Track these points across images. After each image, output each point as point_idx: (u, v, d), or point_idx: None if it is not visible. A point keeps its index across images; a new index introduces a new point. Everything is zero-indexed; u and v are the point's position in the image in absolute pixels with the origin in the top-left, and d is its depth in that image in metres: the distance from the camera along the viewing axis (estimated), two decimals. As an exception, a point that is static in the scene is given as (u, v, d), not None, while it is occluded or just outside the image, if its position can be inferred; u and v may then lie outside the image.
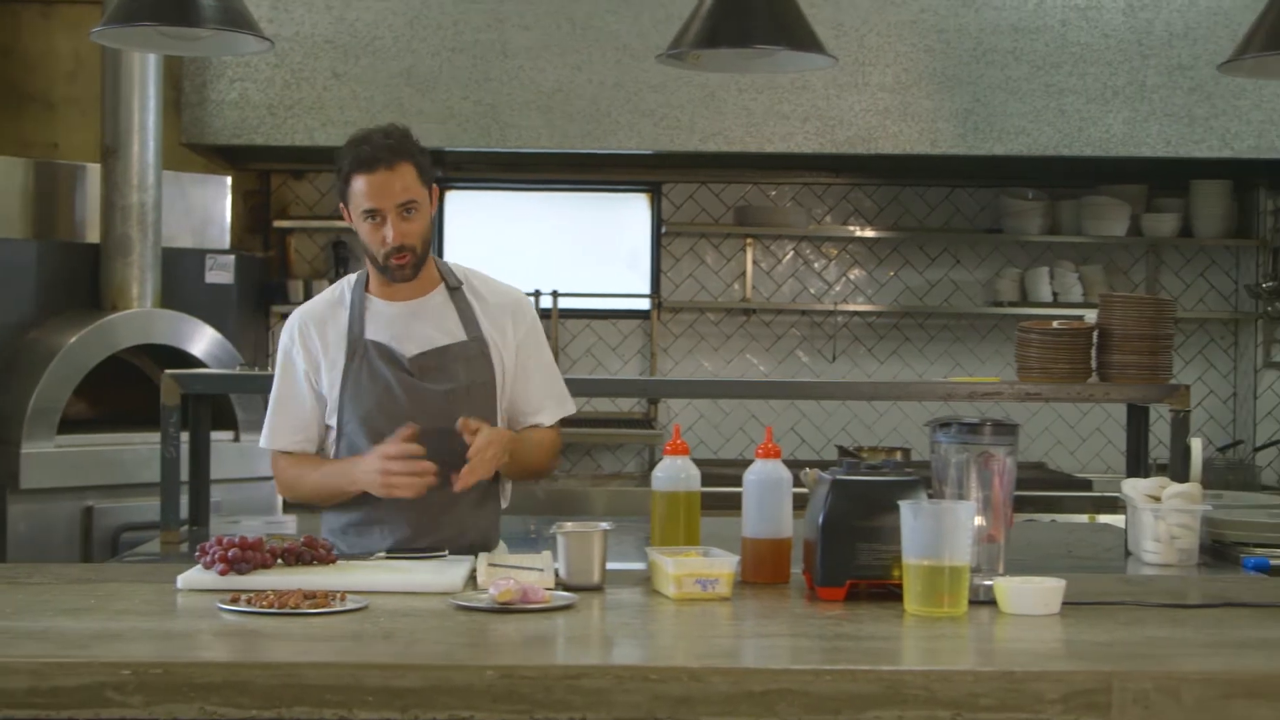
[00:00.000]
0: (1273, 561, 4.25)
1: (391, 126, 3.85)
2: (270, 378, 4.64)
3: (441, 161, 7.77)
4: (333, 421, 3.88)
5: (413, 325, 3.87)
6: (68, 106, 7.61)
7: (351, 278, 4.00)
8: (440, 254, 8.07)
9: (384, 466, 3.66)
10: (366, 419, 3.83)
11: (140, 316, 6.39)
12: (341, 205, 3.90)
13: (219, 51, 5.00)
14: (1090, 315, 4.90)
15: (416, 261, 3.81)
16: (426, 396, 3.79)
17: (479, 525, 3.90)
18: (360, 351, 3.84)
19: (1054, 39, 7.24)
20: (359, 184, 3.77)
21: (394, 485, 3.66)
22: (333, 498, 3.87)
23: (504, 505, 4.05)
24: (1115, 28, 7.25)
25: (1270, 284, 7.90)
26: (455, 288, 3.92)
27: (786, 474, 3.53)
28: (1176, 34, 7.24)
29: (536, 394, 3.95)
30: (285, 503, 6.62)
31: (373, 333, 3.86)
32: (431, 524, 3.81)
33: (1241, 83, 7.09)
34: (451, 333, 3.87)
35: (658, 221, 8.16)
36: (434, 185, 3.87)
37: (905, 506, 3.15)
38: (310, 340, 3.90)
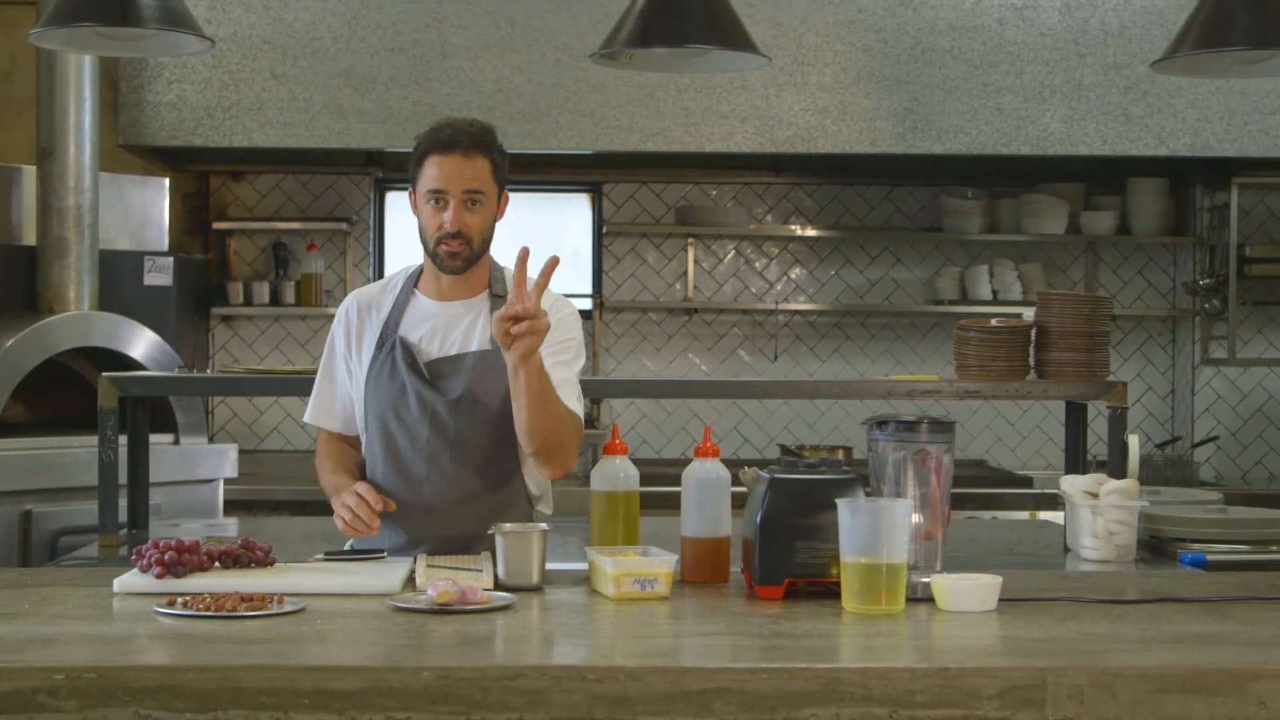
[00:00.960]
0: (1209, 557, 4.28)
1: (479, 121, 3.86)
2: (210, 380, 4.72)
3: (381, 162, 7.76)
4: (362, 410, 3.91)
5: (447, 327, 3.86)
6: (3, 108, 7.55)
7: (409, 269, 4.00)
8: (380, 256, 8.06)
9: (342, 503, 3.69)
10: (381, 416, 3.85)
11: (78, 319, 6.34)
12: (410, 192, 3.87)
13: (159, 52, 4.96)
14: (1029, 313, 4.92)
15: (470, 255, 3.80)
16: (433, 404, 3.79)
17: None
18: (389, 347, 3.86)
19: (991, 38, 7.28)
20: (431, 165, 3.77)
21: (342, 519, 3.68)
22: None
23: (545, 509, 3.97)
24: (1051, 27, 7.29)
25: (1207, 281, 7.96)
26: (499, 295, 3.84)
27: (725, 473, 3.54)
28: (1112, 33, 7.29)
29: (553, 378, 3.72)
30: (226, 505, 6.60)
31: (406, 329, 3.87)
32: (452, 522, 3.81)
33: (1177, 81, 7.15)
34: (475, 340, 3.84)
35: (599, 221, 8.16)
36: (505, 191, 3.87)
37: (843, 505, 3.16)
38: (353, 325, 3.94)
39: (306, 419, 4.09)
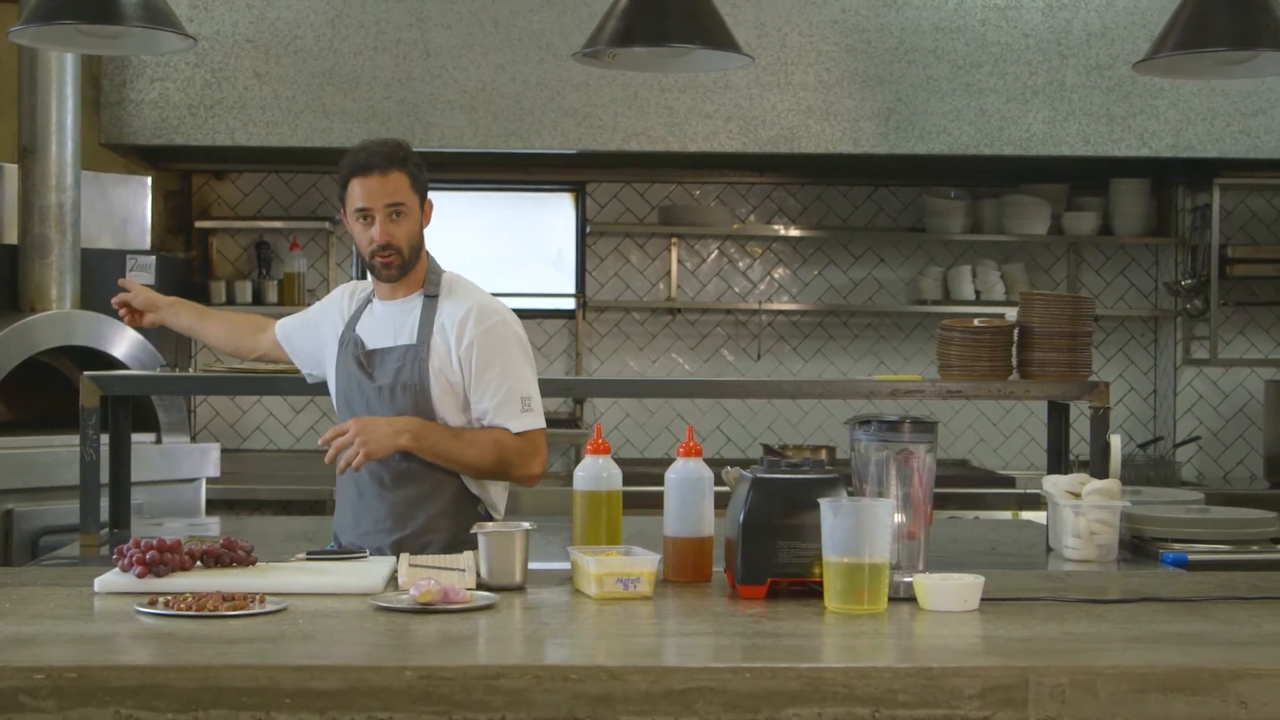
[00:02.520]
0: (1191, 557, 4.29)
1: (391, 139, 4.19)
2: (193, 379, 5.03)
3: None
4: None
5: (385, 325, 4.16)
6: (-16, 106, 7.54)
7: None
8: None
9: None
10: (338, 401, 4.21)
11: (59, 318, 6.33)
12: (342, 212, 4.19)
13: (140, 50, 4.95)
14: (1011, 313, 4.93)
15: (403, 263, 4.09)
16: (367, 390, 4.09)
17: (449, 526, 4.05)
18: (346, 342, 4.19)
19: (974, 39, 7.29)
20: (354, 186, 4.07)
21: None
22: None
23: (497, 516, 4.17)
24: (1034, 27, 7.31)
25: (1189, 282, 7.98)
26: (431, 296, 4.14)
27: (708, 472, 3.54)
28: (1095, 34, 7.30)
29: (488, 404, 4.04)
30: (208, 504, 6.59)
31: (361, 327, 4.19)
32: (396, 521, 4.07)
33: (1159, 82, 7.16)
34: (403, 336, 4.11)
35: (582, 221, 8.15)
36: (428, 199, 4.18)
37: (825, 504, 3.16)
38: (341, 308, 4.30)
39: (279, 324, 4.51)
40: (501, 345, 4.07)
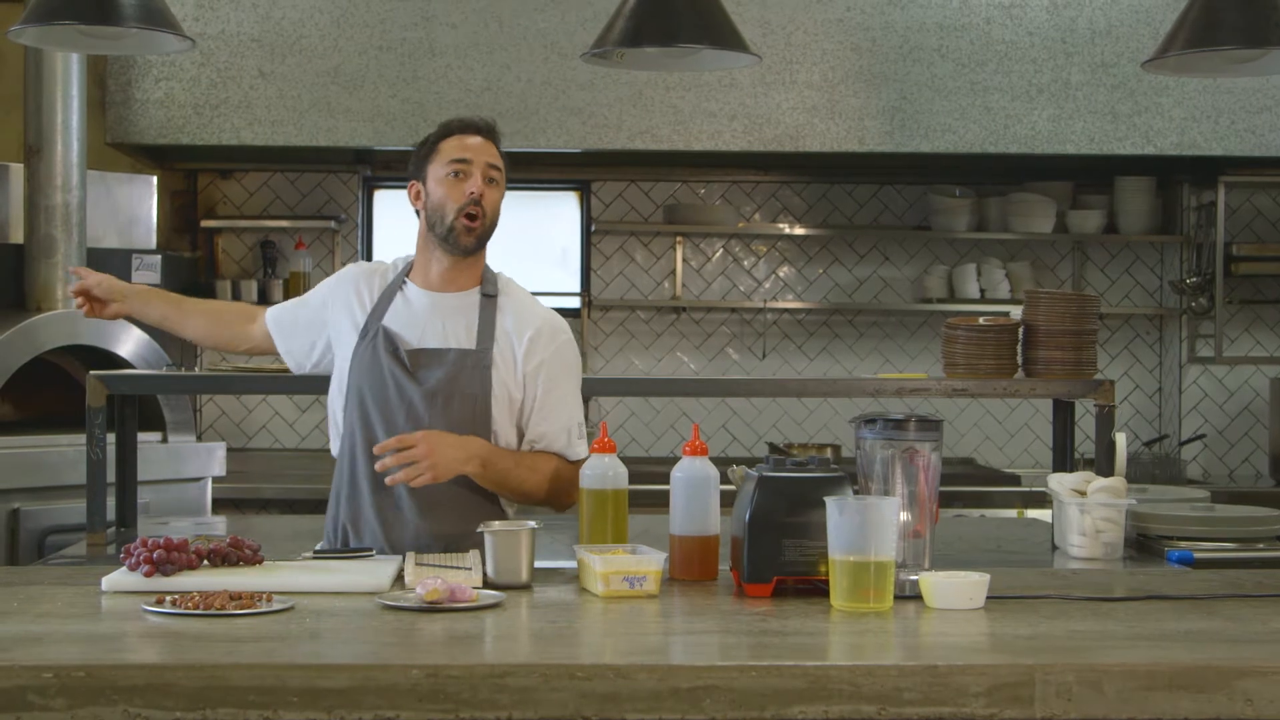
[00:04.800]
0: (1196, 554, 4.29)
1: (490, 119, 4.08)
2: (198, 378, 4.91)
3: (369, 160, 7.76)
4: (339, 395, 3.97)
5: (432, 318, 3.92)
6: (-10, 106, 7.55)
7: (408, 257, 4.09)
8: (369, 254, 8.05)
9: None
10: (360, 401, 3.89)
11: (65, 317, 6.33)
12: (412, 183, 4.02)
13: (140, 50, 4.96)
14: (1016, 312, 4.93)
15: (483, 233, 3.93)
16: (410, 393, 3.82)
17: (466, 530, 3.79)
18: (372, 334, 3.92)
19: (979, 37, 7.29)
20: (452, 141, 3.95)
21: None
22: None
23: (510, 514, 4.00)
24: (1039, 26, 7.30)
25: (1194, 280, 7.97)
26: (490, 295, 3.95)
27: (714, 471, 3.54)
28: (1099, 32, 7.30)
29: (552, 428, 3.90)
30: (214, 503, 6.59)
31: (391, 318, 3.93)
32: (411, 526, 3.85)
33: (1164, 80, 7.16)
34: (460, 338, 3.89)
35: (587, 220, 8.16)
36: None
37: (831, 503, 3.16)
38: (356, 291, 4.02)
39: (268, 312, 4.24)
40: (569, 368, 3.95)
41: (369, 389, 3.88)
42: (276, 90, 7.13)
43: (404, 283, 4.00)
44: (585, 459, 3.80)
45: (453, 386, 3.83)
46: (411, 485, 3.67)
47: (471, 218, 3.89)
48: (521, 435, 3.92)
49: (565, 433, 3.90)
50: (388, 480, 3.69)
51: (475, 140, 3.95)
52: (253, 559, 3.48)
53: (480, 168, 3.91)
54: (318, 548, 3.80)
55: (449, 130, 3.98)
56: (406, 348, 3.88)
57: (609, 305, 8.09)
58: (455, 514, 3.81)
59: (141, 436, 4.98)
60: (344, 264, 7.78)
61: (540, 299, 4.16)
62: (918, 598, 3.22)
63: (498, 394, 3.85)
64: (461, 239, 3.90)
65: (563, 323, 4.03)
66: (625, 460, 3.71)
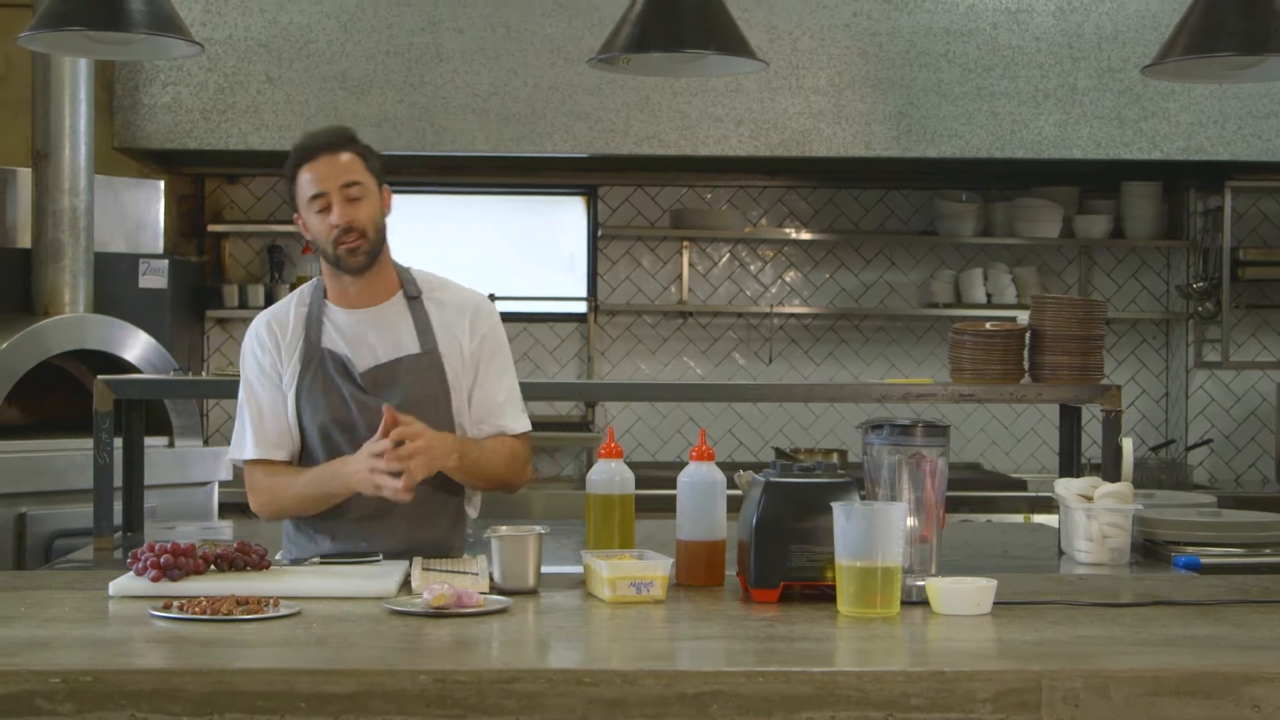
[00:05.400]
0: (1203, 560, 4.29)
1: (338, 125, 3.94)
2: (205, 383, 4.79)
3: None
4: (296, 429, 3.88)
5: (367, 336, 3.86)
6: (-2, 110, 7.56)
7: (313, 283, 3.98)
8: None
9: (371, 465, 3.62)
10: (322, 430, 3.84)
11: (73, 322, 6.34)
12: (297, 218, 3.90)
13: (149, 56, 4.97)
14: (1023, 317, 4.93)
15: (369, 248, 3.80)
16: (377, 411, 3.70)
17: (436, 533, 3.88)
18: (316, 360, 3.85)
19: (985, 42, 7.29)
20: (304, 174, 3.81)
21: (380, 485, 3.61)
22: (320, 503, 3.83)
23: (473, 514, 4.03)
24: (1046, 31, 7.31)
25: (1201, 284, 7.97)
26: (414, 297, 3.90)
27: (720, 476, 3.55)
28: (1106, 37, 7.30)
29: (497, 400, 3.90)
30: (221, 507, 6.60)
31: (329, 342, 3.86)
32: (384, 530, 3.82)
33: (1170, 85, 7.16)
34: (404, 345, 3.86)
35: (594, 224, 8.16)
36: (385, 185, 3.90)
37: (838, 508, 3.16)
38: (274, 344, 3.90)
39: (246, 455, 3.92)
40: (503, 344, 3.96)
41: (331, 417, 3.83)
42: (284, 95, 7.14)
43: (325, 305, 3.91)
44: (528, 433, 3.91)
45: (417, 393, 3.82)
46: (400, 496, 3.59)
47: (350, 243, 3.78)
48: None
49: (509, 405, 3.92)
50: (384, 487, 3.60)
51: (324, 164, 3.78)
52: (260, 564, 3.48)
53: (336, 193, 3.77)
54: (320, 553, 3.81)
55: (298, 160, 3.83)
56: (357, 370, 3.84)
57: (615, 310, 8.09)
58: (420, 520, 3.83)
59: (148, 441, 4.98)
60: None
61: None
62: (925, 603, 3.22)
63: (454, 388, 3.87)
64: (349, 262, 3.81)
65: (489, 302, 4.03)
66: (632, 465, 3.72)
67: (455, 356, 3.87)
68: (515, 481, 3.93)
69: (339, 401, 3.82)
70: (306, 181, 3.80)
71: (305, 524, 3.91)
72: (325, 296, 3.93)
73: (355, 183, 3.79)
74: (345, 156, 3.80)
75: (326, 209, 3.77)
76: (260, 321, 3.95)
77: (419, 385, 3.83)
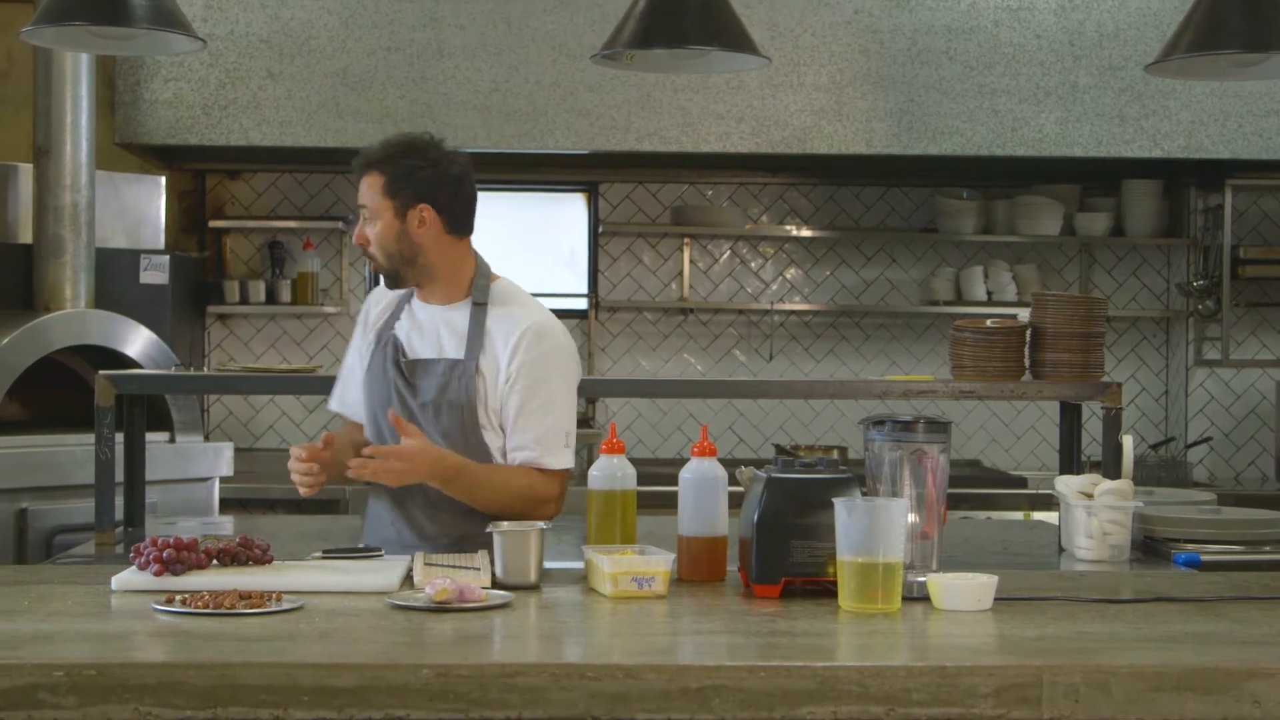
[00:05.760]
0: (1203, 557, 4.29)
1: (393, 137, 4.06)
2: (207, 378, 4.84)
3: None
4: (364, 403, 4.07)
5: (426, 331, 3.97)
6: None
7: None
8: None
9: (291, 462, 3.88)
10: (371, 408, 4.01)
11: (74, 317, 6.34)
12: None
13: (151, 51, 4.98)
14: (1023, 314, 4.94)
15: (383, 268, 3.94)
16: (410, 405, 3.88)
17: (461, 531, 3.85)
18: (384, 343, 4.00)
19: (986, 40, 7.29)
20: None
21: (294, 480, 3.87)
22: None
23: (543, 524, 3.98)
24: (1047, 29, 7.31)
25: (1201, 282, 7.98)
26: (480, 304, 3.93)
27: (722, 472, 3.55)
28: (1107, 35, 7.30)
29: (518, 432, 3.85)
30: (221, 503, 6.61)
31: (400, 328, 4.00)
32: (412, 525, 3.92)
33: (1171, 83, 7.16)
34: (448, 348, 3.91)
35: (595, 221, 8.17)
36: (421, 205, 3.92)
37: (839, 504, 3.17)
38: (369, 316, 4.12)
39: (330, 407, 4.29)
40: (551, 373, 3.87)
41: (379, 399, 3.97)
42: (285, 91, 7.14)
43: (411, 295, 4.04)
44: (566, 469, 3.83)
45: (441, 397, 3.87)
46: (303, 493, 3.83)
47: (371, 261, 3.98)
48: None
49: (537, 442, 3.83)
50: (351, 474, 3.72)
51: (358, 183, 3.97)
52: (262, 559, 3.49)
53: (361, 215, 3.97)
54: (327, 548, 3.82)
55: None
56: (405, 358, 3.94)
57: (616, 307, 8.09)
58: (462, 513, 3.84)
59: (149, 436, 4.99)
60: (351, 264, 7.87)
61: (543, 300, 4.12)
62: (926, 599, 3.23)
63: (484, 402, 3.86)
64: (383, 278, 4.01)
65: (554, 327, 3.94)
66: (633, 461, 3.72)
67: (491, 372, 3.86)
68: (530, 516, 3.70)
69: (384, 385, 3.96)
70: None
71: (382, 506, 4.00)
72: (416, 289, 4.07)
73: (363, 206, 3.95)
74: (367, 178, 3.94)
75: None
76: (371, 294, 4.19)
77: (448, 389, 3.86)
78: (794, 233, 8.03)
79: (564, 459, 3.84)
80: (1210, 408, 8.16)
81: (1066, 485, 4.43)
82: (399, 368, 3.93)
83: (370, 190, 3.91)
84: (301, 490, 3.85)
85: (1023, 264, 8.07)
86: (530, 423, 3.84)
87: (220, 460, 6.58)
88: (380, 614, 3.06)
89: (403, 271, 3.93)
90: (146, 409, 4.89)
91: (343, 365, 4.23)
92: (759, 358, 8.19)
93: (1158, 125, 7.32)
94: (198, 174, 7.97)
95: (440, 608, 3.07)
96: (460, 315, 3.94)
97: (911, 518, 3.28)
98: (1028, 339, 4.84)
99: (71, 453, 5.98)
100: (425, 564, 3.51)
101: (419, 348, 3.95)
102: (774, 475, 3.37)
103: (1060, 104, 7.30)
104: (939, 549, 3.35)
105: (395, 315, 4.02)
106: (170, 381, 5.32)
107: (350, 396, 4.15)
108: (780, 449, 7.83)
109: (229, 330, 7.98)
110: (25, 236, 6.56)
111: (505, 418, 3.86)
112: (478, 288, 3.95)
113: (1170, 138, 7.32)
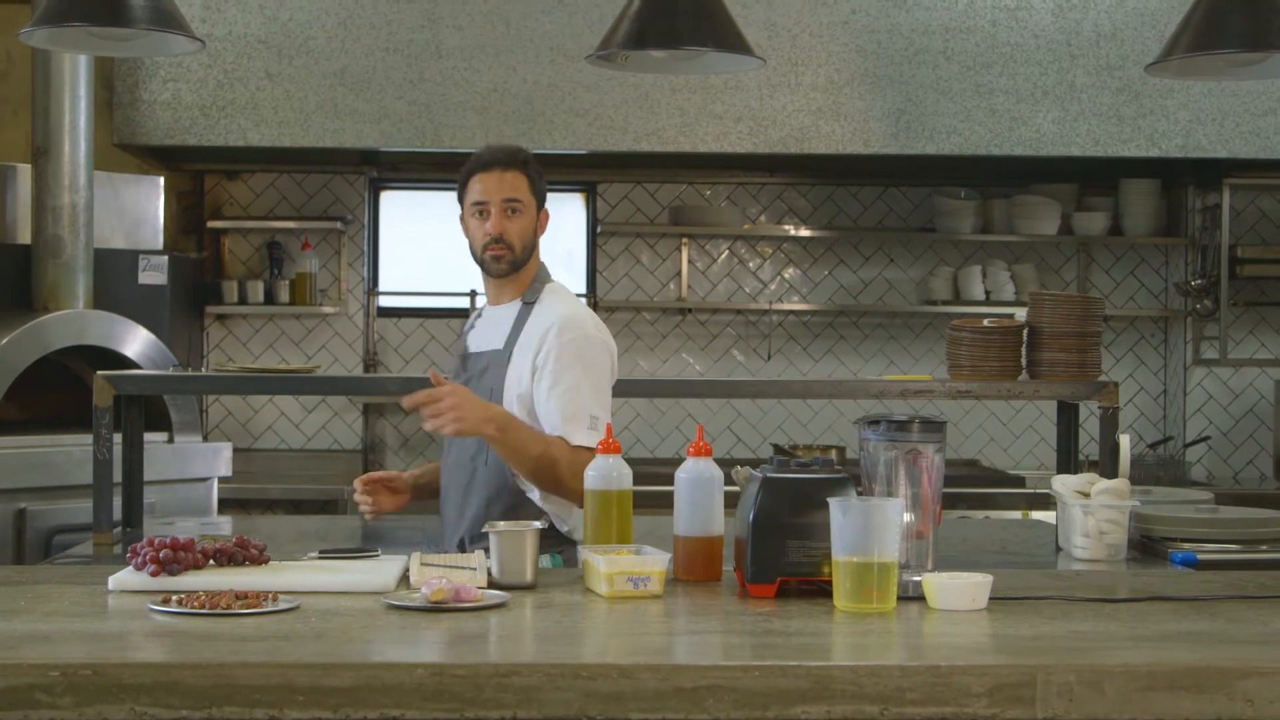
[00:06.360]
0: (1200, 556, 4.30)
1: (514, 145, 4.31)
2: (205, 379, 4.91)
3: (375, 161, 7.77)
4: None
5: (488, 330, 4.24)
6: (-2, 106, 7.57)
7: None
8: (375, 255, 8.07)
9: (358, 488, 4.29)
10: None
11: (73, 318, 6.35)
12: (460, 217, 4.27)
13: (150, 52, 4.97)
14: (1021, 314, 4.94)
15: (514, 260, 4.16)
16: None
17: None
18: (459, 350, 4.34)
19: (984, 39, 7.30)
20: (474, 182, 4.19)
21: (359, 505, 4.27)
22: None
23: (544, 525, 4.01)
24: (1044, 28, 7.31)
25: (1199, 282, 7.98)
26: (529, 303, 4.18)
27: (718, 472, 3.55)
28: (1105, 34, 7.31)
29: (545, 415, 4.02)
30: (220, 503, 6.61)
31: (470, 334, 4.33)
32: (465, 508, 4.14)
33: (1169, 83, 7.17)
34: (494, 341, 4.16)
35: (593, 221, 8.18)
36: (544, 210, 4.27)
37: (835, 504, 3.17)
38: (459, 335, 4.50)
39: None
40: (576, 361, 4.04)
41: None
42: (283, 91, 7.15)
43: (484, 307, 4.35)
44: (588, 449, 3.87)
45: (477, 385, 4.07)
46: (439, 433, 3.89)
47: (496, 251, 4.14)
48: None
49: (564, 420, 3.98)
50: (425, 426, 3.90)
51: (493, 177, 4.15)
52: (259, 559, 3.49)
53: (497, 206, 4.13)
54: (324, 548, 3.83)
55: (472, 169, 4.20)
56: (465, 354, 4.25)
57: (614, 306, 8.10)
58: (481, 503, 4.08)
59: (148, 437, 4.99)
60: (350, 265, 7.87)
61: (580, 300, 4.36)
62: (921, 599, 3.23)
63: (511, 389, 4.05)
64: (491, 268, 4.19)
65: (584, 318, 4.17)
66: (630, 461, 3.72)
67: (523, 362, 4.07)
68: (563, 487, 3.96)
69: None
70: (475, 188, 4.18)
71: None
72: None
73: (516, 199, 4.16)
74: (512, 174, 4.18)
75: (486, 218, 4.14)
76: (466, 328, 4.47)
77: (484, 377, 4.12)
78: (792, 232, 8.03)
79: (588, 438, 3.94)
80: (1208, 407, 8.16)
81: (1063, 484, 4.43)
82: (461, 361, 4.24)
83: (520, 186, 4.17)
84: (367, 516, 4.32)
85: (1021, 263, 8.08)
86: (556, 404, 4.01)
87: (218, 460, 6.59)
88: (376, 614, 3.06)
89: (523, 264, 4.19)
90: (145, 409, 4.90)
91: None
92: (757, 357, 8.19)
93: (1155, 125, 7.32)
94: (196, 174, 7.98)
95: (436, 608, 3.07)
96: (510, 312, 4.19)
97: (907, 517, 3.29)
98: (1025, 338, 4.85)
99: (70, 453, 5.99)
100: (421, 564, 3.51)
101: (476, 343, 4.25)
102: (769, 475, 3.38)
103: (1058, 103, 7.30)
104: (934, 548, 3.35)
105: (470, 328, 4.35)
106: (168, 382, 5.32)
107: None
108: (778, 449, 7.84)
109: (227, 330, 7.98)
110: (24, 237, 6.57)
111: (535, 405, 4.04)
112: (533, 289, 4.21)
113: (1168, 137, 7.33)
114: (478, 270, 4.26)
